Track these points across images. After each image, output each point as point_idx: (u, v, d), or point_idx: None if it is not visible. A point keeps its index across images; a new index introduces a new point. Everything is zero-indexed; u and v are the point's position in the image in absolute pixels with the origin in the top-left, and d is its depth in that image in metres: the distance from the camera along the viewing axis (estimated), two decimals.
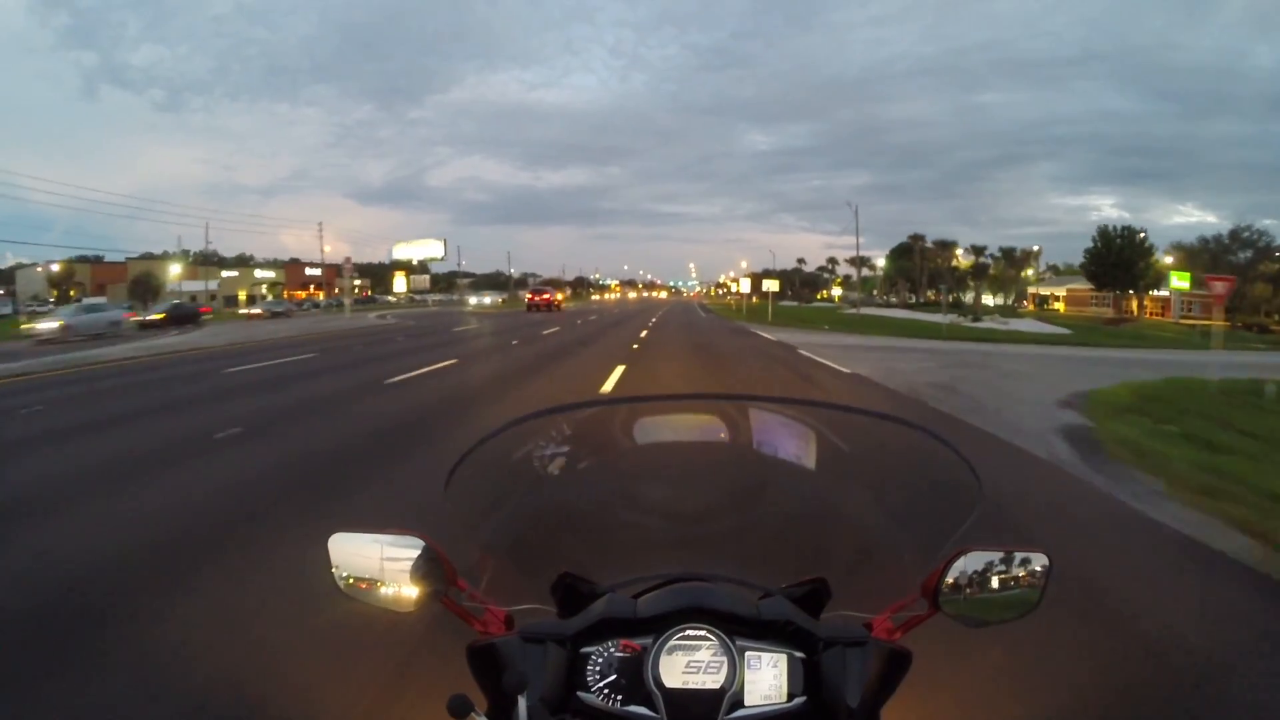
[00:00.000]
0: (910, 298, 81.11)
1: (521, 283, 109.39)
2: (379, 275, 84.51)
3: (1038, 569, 0.83)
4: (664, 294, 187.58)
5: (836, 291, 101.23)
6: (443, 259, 71.53)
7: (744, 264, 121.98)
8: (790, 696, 0.79)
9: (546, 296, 44.53)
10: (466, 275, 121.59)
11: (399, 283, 69.18)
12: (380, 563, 0.83)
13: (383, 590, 0.83)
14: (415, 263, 69.63)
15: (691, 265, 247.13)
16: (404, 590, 0.82)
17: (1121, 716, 2.09)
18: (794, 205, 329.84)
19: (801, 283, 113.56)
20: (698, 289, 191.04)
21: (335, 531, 0.84)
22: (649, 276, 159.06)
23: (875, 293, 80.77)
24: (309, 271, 76.89)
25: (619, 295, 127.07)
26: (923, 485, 1.04)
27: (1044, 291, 69.78)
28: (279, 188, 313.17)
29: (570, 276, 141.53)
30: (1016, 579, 0.83)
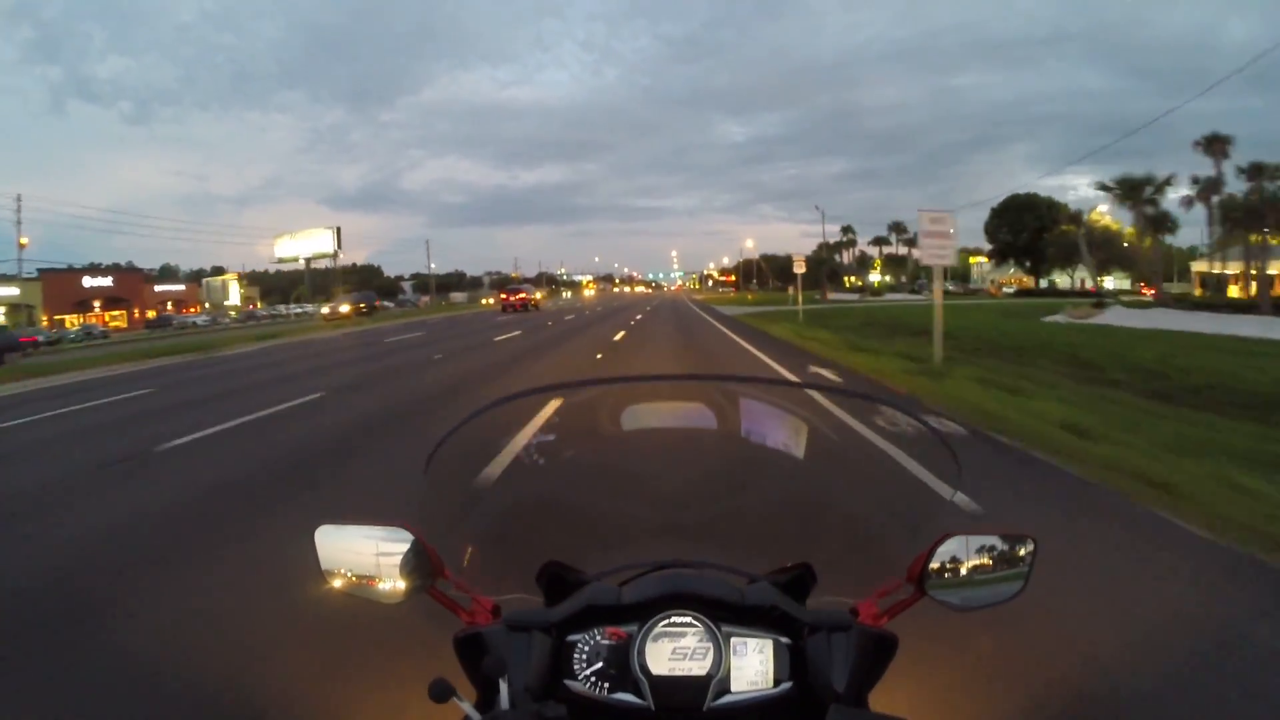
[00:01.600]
0: (1011, 280, 57.53)
1: (474, 283, 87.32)
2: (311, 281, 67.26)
3: (1023, 553, 0.84)
4: (641, 288, 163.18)
5: (873, 276, 76.78)
6: (335, 254, 58.08)
7: (750, 243, 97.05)
8: (777, 682, 0.79)
9: (523, 296, 39.12)
10: (417, 276, 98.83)
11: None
12: (367, 555, 0.83)
13: (370, 583, 0.83)
14: (304, 261, 57.87)
15: (674, 253, 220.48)
16: (391, 583, 0.82)
17: (1109, 699, 2.04)
18: (772, 195, 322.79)
19: (818, 266, 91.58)
20: (680, 281, 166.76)
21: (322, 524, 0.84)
22: (625, 269, 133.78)
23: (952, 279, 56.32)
24: (90, 282, 50.54)
25: (583, 294, 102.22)
26: (906, 472, 1.03)
27: (1202, 268, 42.56)
28: (253, 196, 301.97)
29: (549, 275, 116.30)
30: (1001, 563, 0.83)
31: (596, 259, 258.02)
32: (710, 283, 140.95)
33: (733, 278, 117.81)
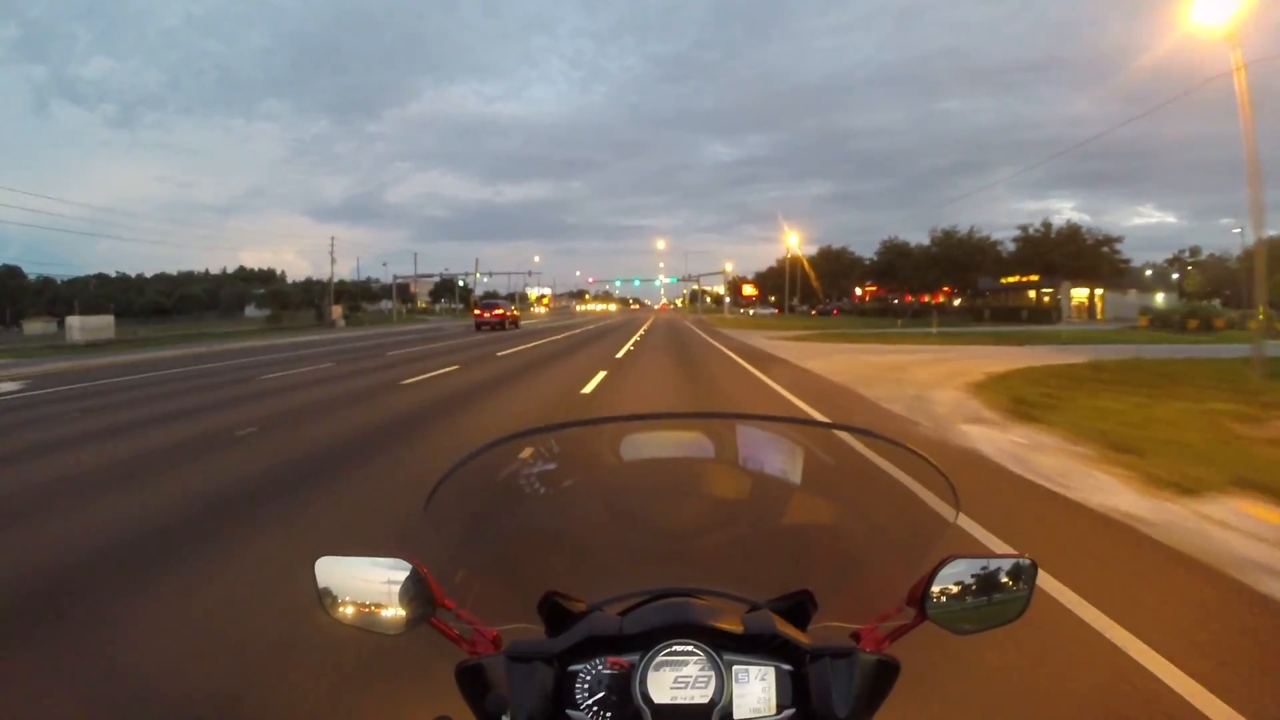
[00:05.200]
0: None
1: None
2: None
3: (1022, 575, 0.85)
4: (613, 306, 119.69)
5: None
6: None
7: (798, 239, 55.33)
8: (779, 709, 0.79)
9: (499, 312, 34.20)
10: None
11: None
12: (367, 585, 0.83)
13: (370, 613, 0.84)
14: None
15: (660, 244, 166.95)
16: (392, 613, 0.83)
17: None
18: (756, 216, 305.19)
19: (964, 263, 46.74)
20: (665, 300, 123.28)
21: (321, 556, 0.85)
22: (588, 279, 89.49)
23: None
24: None
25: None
26: (905, 497, 1.05)
27: None
28: (237, 205, 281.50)
29: (449, 279, 71.89)
30: (1002, 585, 0.85)
31: (536, 258, 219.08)
32: (713, 300, 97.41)
33: (754, 293, 74.42)
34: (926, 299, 54.52)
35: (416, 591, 0.83)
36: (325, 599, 0.85)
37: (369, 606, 0.84)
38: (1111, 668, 2.34)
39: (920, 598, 0.83)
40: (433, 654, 0.94)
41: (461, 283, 69.00)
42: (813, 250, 65.32)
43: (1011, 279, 46.10)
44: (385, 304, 70.63)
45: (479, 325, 33.33)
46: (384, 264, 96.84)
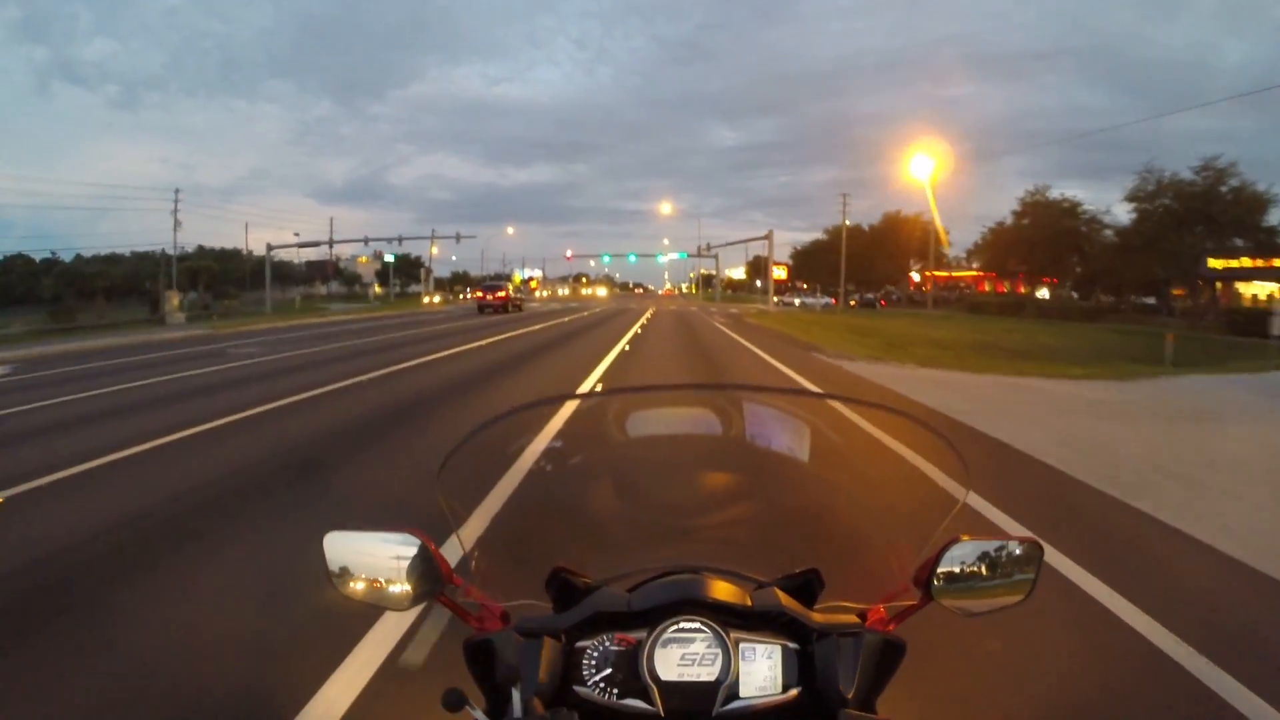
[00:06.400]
0: None
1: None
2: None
3: (1030, 557, 0.84)
4: (602, 290, 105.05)
5: None
6: None
7: (932, 166, 39.64)
8: (785, 687, 0.78)
9: (502, 295, 33.69)
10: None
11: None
12: (376, 561, 0.83)
13: (379, 588, 0.83)
14: None
15: (665, 208, 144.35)
16: (400, 588, 0.82)
17: (1114, 703, 2.05)
18: (762, 202, 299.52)
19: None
20: (670, 284, 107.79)
21: (331, 530, 0.84)
22: (567, 254, 73.14)
23: None
24: None
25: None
26: (914, 476, 1.04)
27: None
28: (240, 187, 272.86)
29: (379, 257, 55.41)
30: (1008, 567, 0.84)
31: (509, 230, 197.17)
32: (727, 285, 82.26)
33: (783, 276, 59.04)
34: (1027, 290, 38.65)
35: (425, 568, 0.82)
36: (334, 574, 0.84)
37: (378, 582, 0.83)
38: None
39: (927, 579, 0.83)
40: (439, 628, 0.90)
41: (391, 256, 52.48)
42: (811, 236, 48.61)
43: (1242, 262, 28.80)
44: (321, 287, 55.04)
45: (481, 308, 32.91)
46: (295, 234, 79.54)
